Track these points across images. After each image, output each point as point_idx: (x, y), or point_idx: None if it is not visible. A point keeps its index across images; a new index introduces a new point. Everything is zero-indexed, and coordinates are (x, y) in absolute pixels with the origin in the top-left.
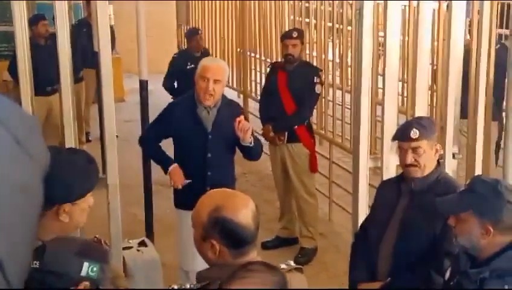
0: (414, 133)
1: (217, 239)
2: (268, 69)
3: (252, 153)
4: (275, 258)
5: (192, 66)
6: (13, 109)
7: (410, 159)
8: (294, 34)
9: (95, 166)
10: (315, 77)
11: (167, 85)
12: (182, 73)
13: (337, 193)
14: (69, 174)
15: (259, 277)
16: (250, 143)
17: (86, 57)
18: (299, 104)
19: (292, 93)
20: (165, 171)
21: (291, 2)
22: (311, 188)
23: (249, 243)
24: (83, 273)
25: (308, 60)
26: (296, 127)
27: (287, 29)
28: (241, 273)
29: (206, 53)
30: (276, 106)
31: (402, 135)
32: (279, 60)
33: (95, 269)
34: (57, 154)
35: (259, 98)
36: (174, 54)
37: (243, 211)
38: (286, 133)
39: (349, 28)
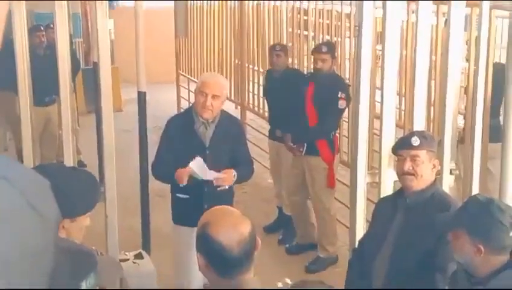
0: (415, 140)
1: (200, 254)
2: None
3: (238, 181)
4: (291, 264)
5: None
6: (26, 173)
7: (408, 166)
8: (324, 49)
9: (98, 186)
10: (340, 92)
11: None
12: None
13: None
14: (73, 190)
15: None
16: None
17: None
18: (321, 117)
19: (316, 106)
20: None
21: (290, 14)
22: (326, 204)
23: (232, 266)
24: None
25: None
26: (317, 140)
27: (285, 41)
28: None
29: (288, 74)
30: (300, 116)
31: (403, 142)
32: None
33: None
34: (61, 171)
35: (255, 109)
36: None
37: (228, 232)
38: (305, 145)
39: (347, 41)
